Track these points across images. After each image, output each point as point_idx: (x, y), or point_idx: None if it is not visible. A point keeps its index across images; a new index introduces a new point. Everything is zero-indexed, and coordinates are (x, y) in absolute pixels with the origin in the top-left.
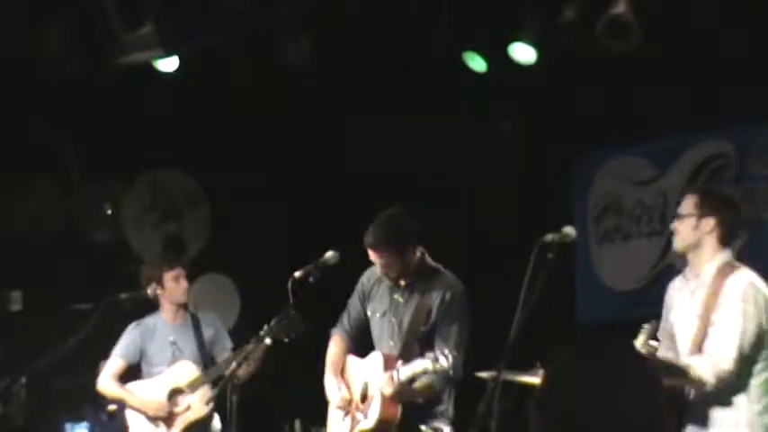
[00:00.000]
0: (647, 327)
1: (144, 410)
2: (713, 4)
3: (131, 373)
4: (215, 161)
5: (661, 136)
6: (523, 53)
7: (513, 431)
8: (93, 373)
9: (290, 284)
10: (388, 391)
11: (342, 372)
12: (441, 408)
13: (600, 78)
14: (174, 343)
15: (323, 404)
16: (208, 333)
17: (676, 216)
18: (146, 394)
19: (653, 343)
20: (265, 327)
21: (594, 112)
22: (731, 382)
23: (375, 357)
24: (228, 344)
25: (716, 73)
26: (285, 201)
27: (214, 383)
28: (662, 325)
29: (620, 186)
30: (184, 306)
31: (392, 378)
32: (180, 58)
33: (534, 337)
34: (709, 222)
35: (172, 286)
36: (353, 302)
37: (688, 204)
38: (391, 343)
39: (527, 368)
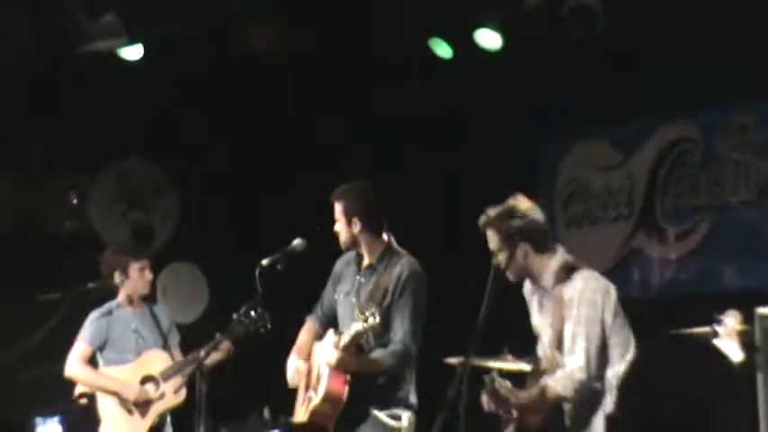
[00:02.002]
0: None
1: (120, 394)
2: None
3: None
4: (181, 150)
5: (627, 121)
6: (489, 39)
7: (483, 416)
8: (61, 364)
9: (257, 272)
10: (332, 359)
11: (308, 357)
12: (400, 394)
13: (565, 64)
14: (136, 331)
15: (291, 392)
16: (164, 323)
17: (493, 255)
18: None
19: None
20: (234, 319)
21: (560, 97)
22: (589, 389)
23: (328, 335)
24: (177, 338)
25: (680, 56)
26: (252, 189)
27: (185, 372)
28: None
29: (587, 171)
30: (143, 297)
31: (334, 347)
32: (144, 47)
33: (502, 323)
34: (522, 248)
35: (136, 277)
36: (326, 291)
37: (492, 240)
38: (348, 322)
39: (496, 353)
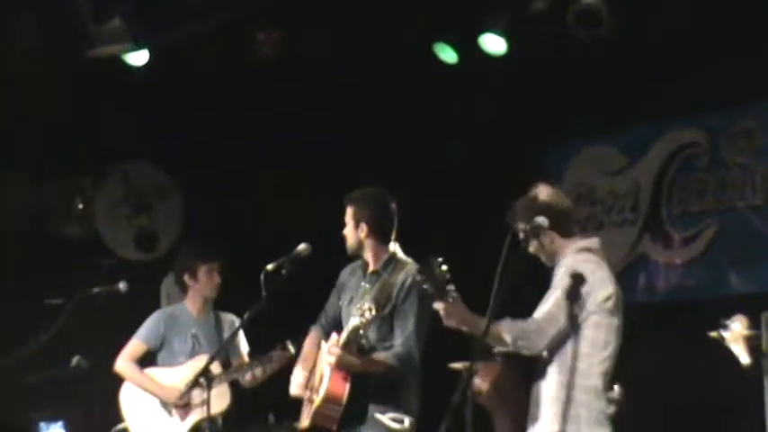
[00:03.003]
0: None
1: (161, 396)
2: None
3: (147, 360)
4: (186, 155)
5: (633, 125)
6: (494, 44)
7: (488, 422)
8: (66, 368)
9: (262, 277)
10: (332, 359)
11: (313, 366)
12: (402, 398)
13: (571, 68)
14: (195, 336)
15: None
16: (227, 331)
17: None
18: (164, 381)
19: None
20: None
21: (566, 102)
22: (529, 336)
23: (331, 339)
24: (245, 349)
25: (686, 60)
26: (257, 194)
27: (231, 383)
28: None
29: (593, 176)
30: (209, 301)
31: (334, 346)
32: (150, 52)
33: None
34: (549, 236)
35: (204, 279)
36: (331, 300)
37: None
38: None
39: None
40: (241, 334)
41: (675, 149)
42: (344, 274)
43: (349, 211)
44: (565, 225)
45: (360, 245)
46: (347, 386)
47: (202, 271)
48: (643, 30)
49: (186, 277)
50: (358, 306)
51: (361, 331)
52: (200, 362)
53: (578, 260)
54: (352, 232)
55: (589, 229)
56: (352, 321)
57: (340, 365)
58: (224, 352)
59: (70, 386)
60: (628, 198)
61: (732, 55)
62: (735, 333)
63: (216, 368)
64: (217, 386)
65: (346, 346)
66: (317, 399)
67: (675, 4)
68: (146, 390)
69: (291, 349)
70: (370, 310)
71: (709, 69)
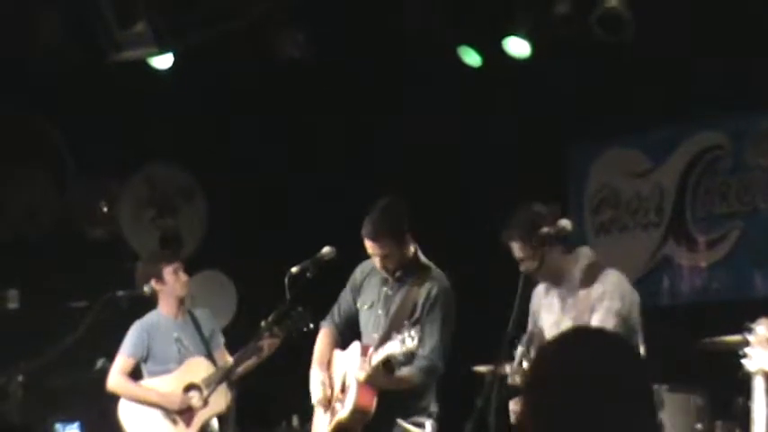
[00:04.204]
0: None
1: (164, 405)
2: None
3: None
4: (210, 157)
5: (656, 128)
6: (518, 47)
7: (511, 425)
8: (90, 371)
9: (286, 280)
10: (361, 375)
11: (328, 365)
12: (423, 403)
13: (594, 71)
14: (178, 339)
15: None
16: (206, 329)
17: (521, 263)
18: (162, 390)
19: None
20: (272, 322)
21: (589, 104)
22: None
23: (354, 347)
24: (222, 340)
25: (710, 63)
26: (282, 196)
27: (227, 379)
28: (531, 331)
29: (617, 178)
30: (182, 302)
31: (365, 363)
32: (175, 55)
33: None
34: (553, 251)
35: (171, 280)
36: (345, 296)
37: (519, 250)
38: (375, 335)
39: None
40: (217, 327)
41: (699, 152)
42: (361, 272)
43: (384, 243)
44: (568, 240)
45: (406, 260)
46: (374, 399)
47: (168, 272)
48: (666, 32)
49: (154, 282)
50: (398, 329)
51: (398, 357)
52: (190, 365)
53: (626, 288)
54: (399, 255)
55: (613, 232)
56: (392, 346)
57: (369, 383)
58: (206, 349)
59: (87, 388)
60: (652, 201)
61: (756, 57)
62: (760, 336)
63: (208, 368)
64: (215, 387)
65: (377, 368)
66: (344, 411)
67: (699, 5)
68: (146, 402)
69: (279, 334)
70: (412, 338)
71: (733, 72)
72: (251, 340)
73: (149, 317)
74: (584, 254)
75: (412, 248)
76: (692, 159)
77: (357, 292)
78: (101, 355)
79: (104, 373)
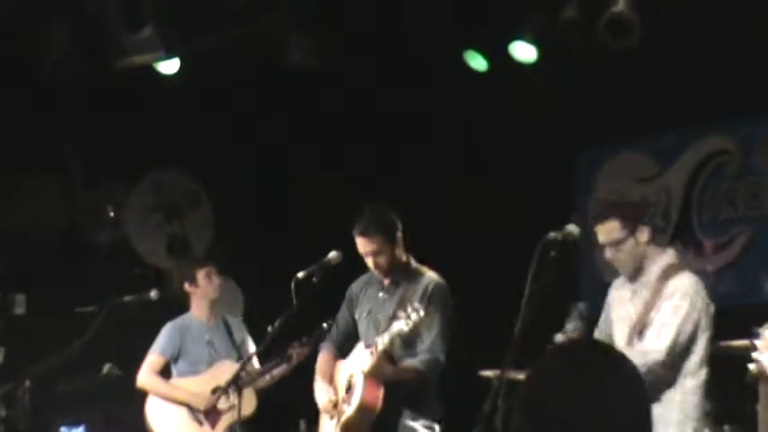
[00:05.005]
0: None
1: (191, 404)
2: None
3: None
4: (217, 162)
5: (663, 132)
6: (524, 52)
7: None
8: (97, 376)
9: (293, 285)
10: (368, 365)
11: (331, 379)
12: (430, 404)
13: (601, 76)
14: (210, 343)
15: None
16: (238, 336)
17: (608, 246)
18: (191, 390)
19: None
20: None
21: (596, 109)
22: (661, 374)
23: (357, 349)
24: (252, 349)
25: (716, 67)
26: (288, 201)
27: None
28: (600, 323)
29: (623, 183)
30: (214, 305)
31: (372, 352)
32: (181, 60)
33: (538, 335)
34: (644, 231)
35: (204, 283)
36: (341, 314)
37: (612, 230)
38: (376, 336)
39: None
40: (249, 338)
41: (706, 157)
42: (356, 287)
43: (378, 239)
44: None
45: (399, 262)
46: (380, 395)
47: (201, 275)
48: (673, 36)
49: (187, 285)
50: (404, 309)
51: (400, 336)
52: (220, 368)
53: (699, 292)
54: (391, 254)
55: None
56: (397, 325)
57: (375, 373)
58: (236, 354)
59: (93, 392)
60: (659, 205)
61: (763, 61)
62: (766, 341)
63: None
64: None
65: (384, 354)
66: (350, 408)
67: (705, 9)
68: (174, 400)
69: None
70: (417, 311)
71: (740, 76)
72: (270, 348)
73: (182, 318)
74: (669, 253)
75: (404, 255)
76: (698, 164)
77: (354, 305)
78: (107, 360)
79: (111, 378)
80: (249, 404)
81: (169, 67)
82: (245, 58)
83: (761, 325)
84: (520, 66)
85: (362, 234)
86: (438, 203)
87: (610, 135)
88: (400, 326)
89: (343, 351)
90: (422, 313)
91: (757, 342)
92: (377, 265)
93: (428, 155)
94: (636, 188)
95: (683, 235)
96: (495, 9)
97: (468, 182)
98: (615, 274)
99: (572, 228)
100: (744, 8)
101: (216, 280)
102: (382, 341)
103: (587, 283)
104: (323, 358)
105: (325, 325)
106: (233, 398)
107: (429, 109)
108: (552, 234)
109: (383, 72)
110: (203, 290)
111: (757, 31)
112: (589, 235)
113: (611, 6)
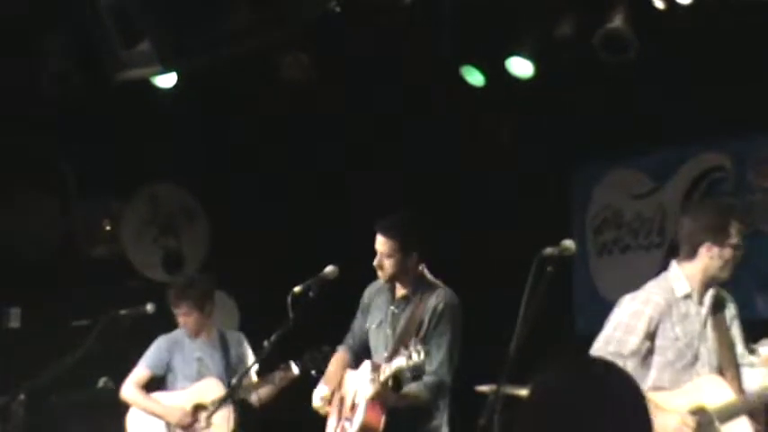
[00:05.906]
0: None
1: (166, 418)
2: (709, 16)
3: (152, 386)
4: (213, 177)
5: (659, 149)
6: (521, 67)
7: None
8: (92, 390)
9: (289, 299)
10: (369, 392)
11: (339, 385)
12: (434, 423)
13: (597, 92)
14: (199, 359)
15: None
16: (234, 353)
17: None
18: (168, 403)
19: None
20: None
21: (592, 125)
22: None
23: (364, 366)
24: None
25: (712, 85)
26: (284, 216)
27: (237, 403)
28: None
29: (619, 199)
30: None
31: (373, 380)
32: (178, 75)
33: (534, 351)
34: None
35: (182, 321)
36: (356, 320)
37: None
38: (384, 354)
39: (527, 382)
40: (249, 353)
41: (701, 173)
42: (369, 293)
43: (393, 242)
44: None
45: (403, 273)
46: (383, 417)
47: (179, 313)
48: (669, 54)
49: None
50: (405, 344)
51: (406, 373)
52: (205, 384)
53: None
54: (398, 262)
55: (615, 252)
56: (398, 362)
57: (378, 400)
58: (230, 371)
59: (89, 405)
60: (654, 221)
61: (758, 79)
62: (763, 357)
63: (221, 390)
64: (223, 408)
65: (385, 384)
66: (353, 428)
67: (701, 27)
68: (151, 412)
69: (294, 370)
70: (419, 353)
71: (735, 94)
72: (267, 362)
73: (174, 334)
74: None
75: (419, 268)
76: (694, 180)
77: (366, 312)
78: (103, 373)
79: (106, 391)
80: (226, 423)
81: (166, 81)
82: (242, 73)
83: (755, 341)
84: (517, 81)
85: (380, 231)
86: (436, 220)
87: (606, 151)
88: (401, 363)
89: (359, 357)
90: (422, 356)
91: (753, 358)
92: (380, 267)
93: (427, 159)
94: (631, 204)
95: (678, 251)
96: (492, 24)
97: (468, 192)
98: (613, 289)
99: (568, 243)
100: (740, 22)
101: (192, 316)
102: (383, 374)
103: (582, 297)
104: (334, 365)
105: (292, 363)
106: (208, 414)
107: (426, 126)
108: (548, 249)
109: (385, 91)
110: (183, 320)
111: (754, 49)
112: (585, 250)
113: (608, 22)
